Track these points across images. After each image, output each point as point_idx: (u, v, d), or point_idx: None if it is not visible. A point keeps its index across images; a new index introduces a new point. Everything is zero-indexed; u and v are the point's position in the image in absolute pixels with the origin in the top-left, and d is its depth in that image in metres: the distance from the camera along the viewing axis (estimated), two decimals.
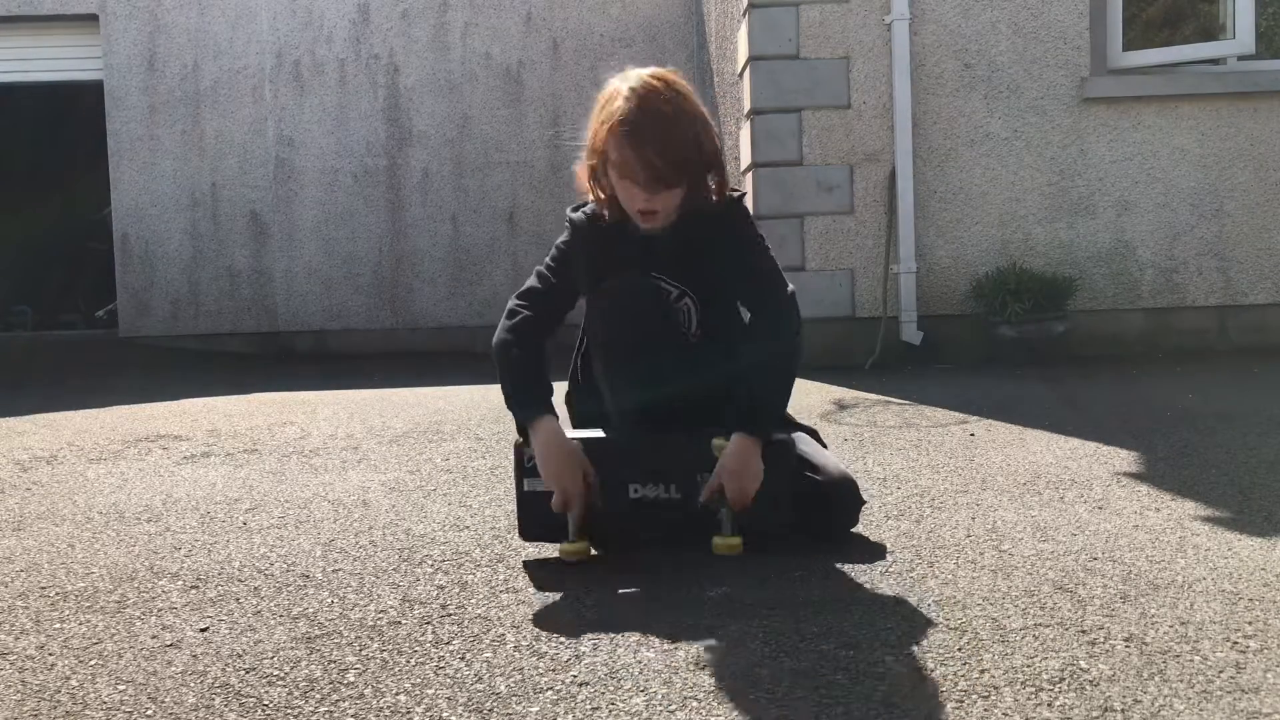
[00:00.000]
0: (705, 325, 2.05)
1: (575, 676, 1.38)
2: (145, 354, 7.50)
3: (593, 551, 1.92)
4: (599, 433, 2.00)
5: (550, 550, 1.96)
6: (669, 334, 2.01)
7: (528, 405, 1.92)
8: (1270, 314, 5.30)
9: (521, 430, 1.93)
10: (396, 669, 1.42)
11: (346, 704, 1.31)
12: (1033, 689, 1.30)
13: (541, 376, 1.96)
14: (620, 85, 1.90)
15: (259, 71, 8.02)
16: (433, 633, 1.56)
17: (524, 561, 1.92)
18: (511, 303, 2.04)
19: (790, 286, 2.00)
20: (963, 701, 1.27)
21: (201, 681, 1.40)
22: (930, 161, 5.22)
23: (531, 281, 2.07)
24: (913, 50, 5.17)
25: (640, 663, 1.42)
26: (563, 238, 2.09)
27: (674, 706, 1.28)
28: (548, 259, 2.08)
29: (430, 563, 1.93)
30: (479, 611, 1.65)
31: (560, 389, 2.03)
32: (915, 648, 1.45)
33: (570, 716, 1.26)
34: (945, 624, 1.53)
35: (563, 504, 1.85)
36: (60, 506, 2.53)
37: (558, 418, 1.93)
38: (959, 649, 1.44)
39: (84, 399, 4.78)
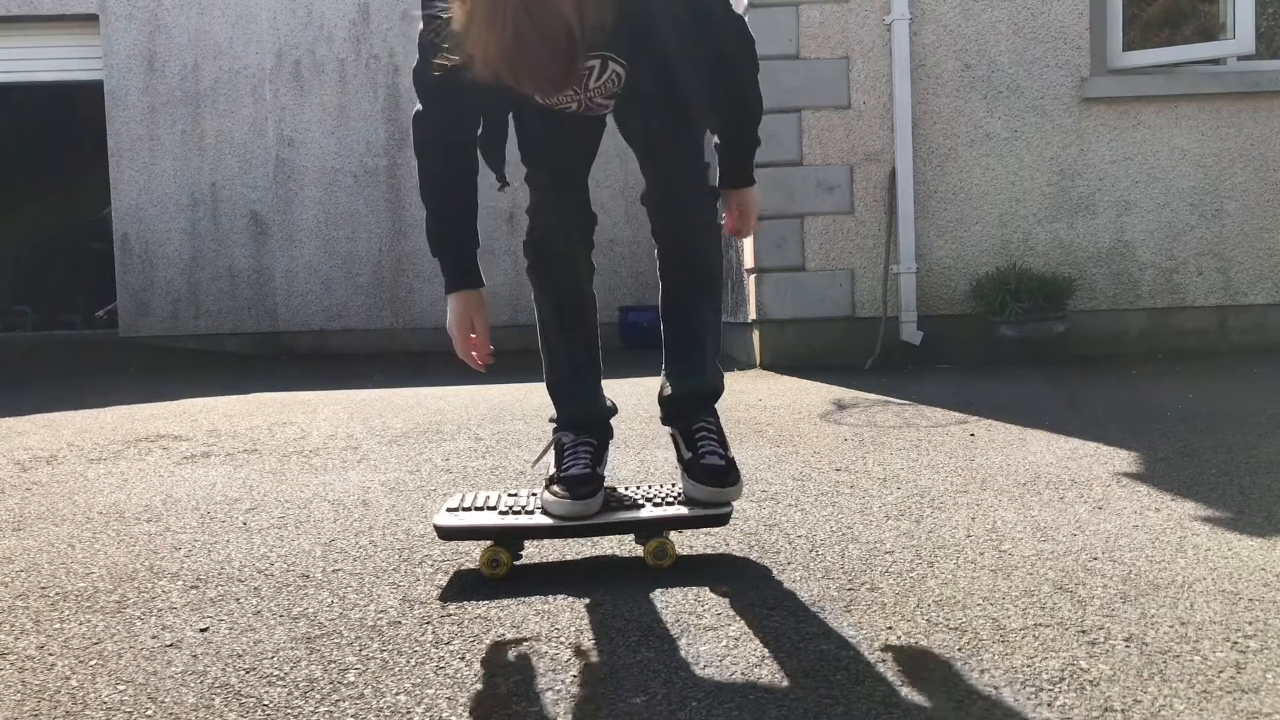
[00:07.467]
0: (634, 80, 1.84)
1: (575, 676, 1.38)
2: (145, 354, 7.50)
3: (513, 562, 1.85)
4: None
5: (551, 553, 1.96)
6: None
7: (450, 274, 2.02)
8: (1270, 314, 5.31)
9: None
10: (396, 669, 1.42)
11: (346, 704, 1.31)
12: (1033, 689, 1.30)
13: (468, 226, 2.06)
14: None
15: (259, 71, 8.02)
16: (433, 633, 1.56)
17: (522, 564, 1.92)
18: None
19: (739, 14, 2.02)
20: (963, 701, 1.27)
21: (201, 681, 1.40)
22: (930, 161, 5.22)
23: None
24: (913, 50, 5.17)
25: (640, 663, 1.42)
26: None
27: (674, 706, 1.28)
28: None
29: (430, 563, 1.93)
30: (479, 611, 1.65)
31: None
32: (915, 648, 1.45)
33: (570, 716, 1.26)
34: (945, 624, 1.53)
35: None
36: (60, 506, 2.53)
37: (479, 282, 2.02)
38: (959, 649, 1.43)
39: (84, 399, 4.78)
